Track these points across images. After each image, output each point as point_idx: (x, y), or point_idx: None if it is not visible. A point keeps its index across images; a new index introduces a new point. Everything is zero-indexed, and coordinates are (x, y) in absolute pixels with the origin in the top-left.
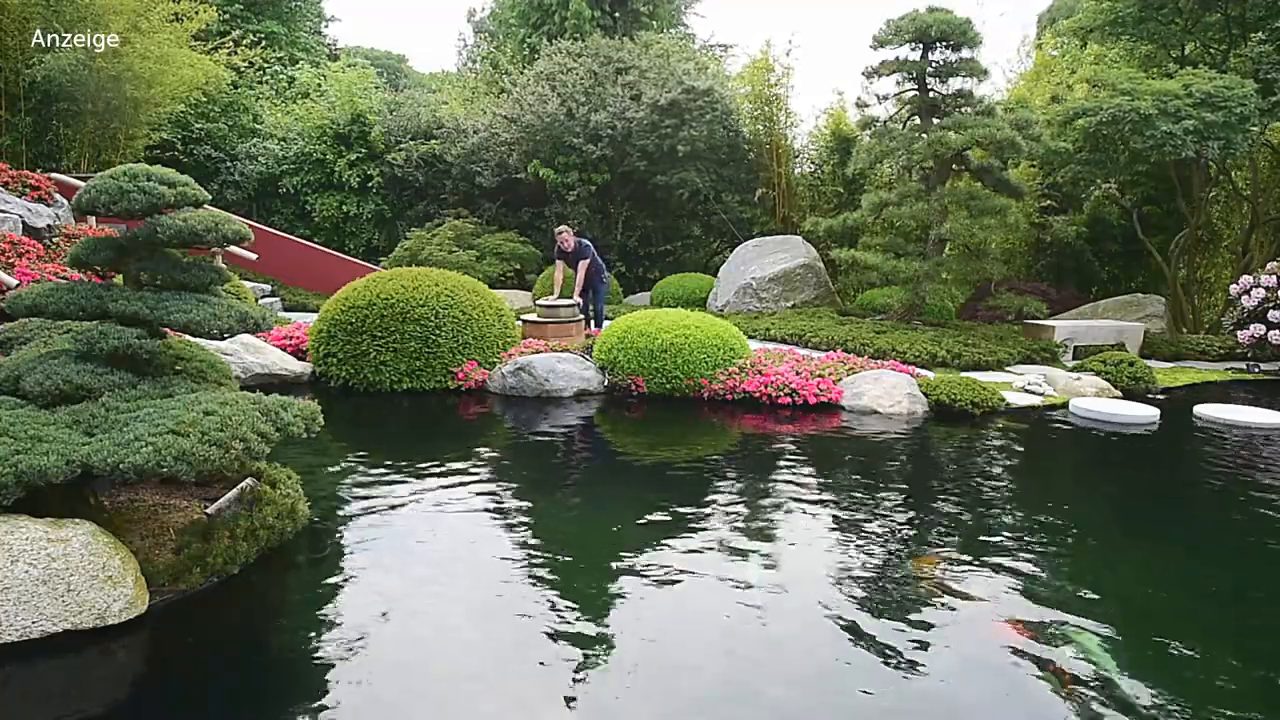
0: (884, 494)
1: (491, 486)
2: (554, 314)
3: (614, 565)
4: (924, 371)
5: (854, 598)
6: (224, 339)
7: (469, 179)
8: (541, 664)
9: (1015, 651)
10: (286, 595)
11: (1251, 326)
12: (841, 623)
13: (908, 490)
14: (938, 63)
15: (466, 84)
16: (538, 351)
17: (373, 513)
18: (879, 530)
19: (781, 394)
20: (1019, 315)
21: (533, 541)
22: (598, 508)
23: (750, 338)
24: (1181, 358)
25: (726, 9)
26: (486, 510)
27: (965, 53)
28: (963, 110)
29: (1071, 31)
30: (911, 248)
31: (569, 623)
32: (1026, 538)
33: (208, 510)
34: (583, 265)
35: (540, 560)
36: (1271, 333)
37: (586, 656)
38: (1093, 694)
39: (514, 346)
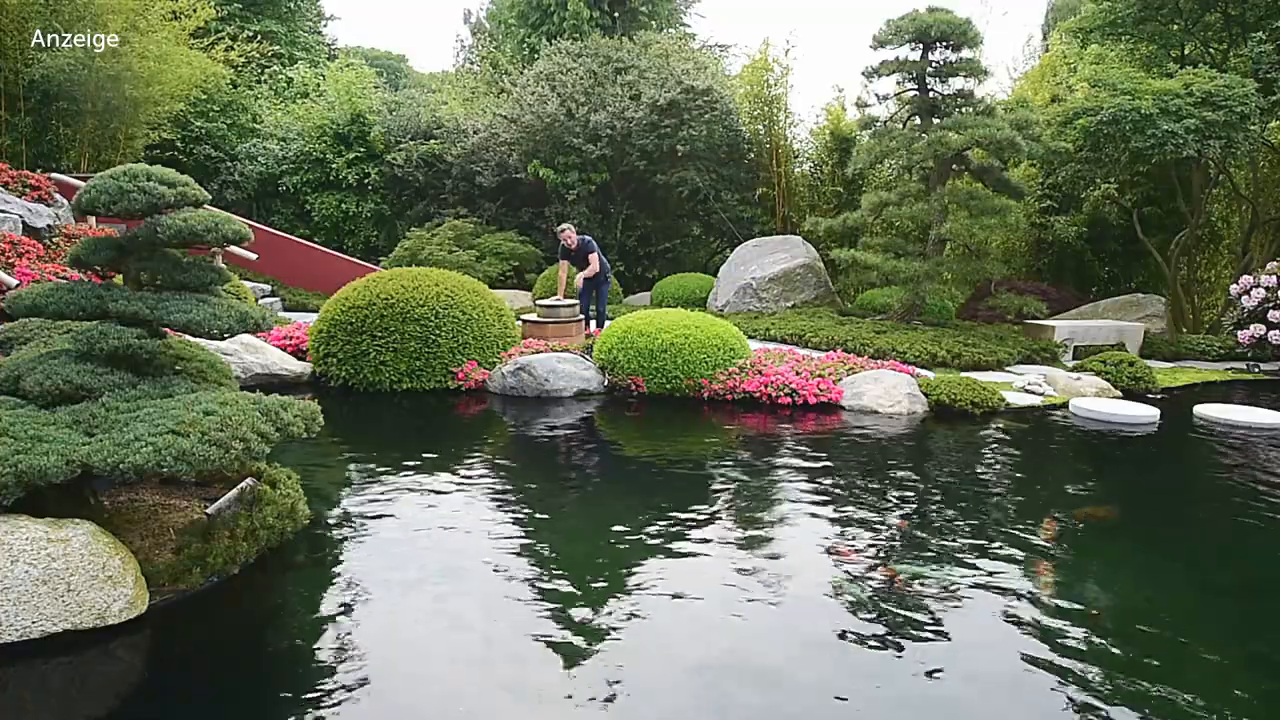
0: (884, 494)
1: (491, 486)
2: (554, 314)
3: (614, 566)
4: (924, 371)
5: (853, 597)
6: (224, 339)
7: (469, 179)
8: (541, 665)
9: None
10: (286, 595)
11: (1251, 326)
12: (838, 623)
13: (908, 490)
14: (938, 63)
15: (466, 84)
16: (538, 351)
17: (372, 512)
18: (879, 530)
19: (781, 394)
20: (1019, 315)
21: (532, 541)
22: (597, 508)
23: (750, 338)
24: (1181, 358)
25: (726, 8)
26: (486, 510)
27: (966, 53)
28: (963, 110)
29: (1071, 33)
30: (911, 248)
31: (569, 623)
32: (1024, 537)
33: (208, 510)
34: (594, 257)
35: (540, 560)
36: (1271, 333)
37: (585, 657)
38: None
39: (514, 346)
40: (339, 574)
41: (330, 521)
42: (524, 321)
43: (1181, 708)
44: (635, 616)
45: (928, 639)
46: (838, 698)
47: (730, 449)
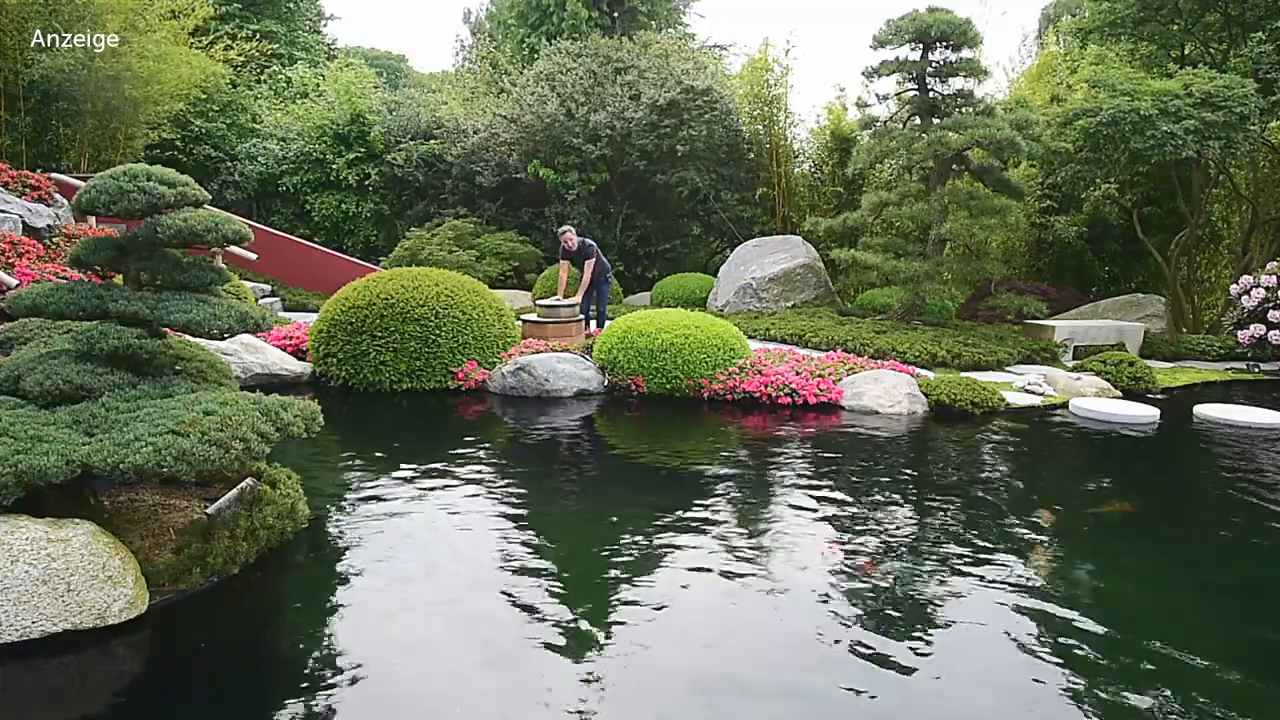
0: (884, 494)
1: (491, 486)
2: (554, 314)
3: (613, 566)
4: (924, 371)
5: (852, 598)
6: (224, 339)
7: (469, 179)
8: (540, 666)
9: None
10: (286, 595)
11: (1251, 326)
12: (838, 622)
13: (908, 490)
14: (938, 63)
15: (466, 84)
16: (538, 351)
17: (372, 513)
18: (878, 530)
19: (781, 394)
20: (1019, 315)
21: (532, 542)
22: (597, 508)
23: (750, 338)
24: (1181, 358)
25: (726, 8)
26: (486, 510)
27: (965, 53)
28: (963, 110)
29: (1071, 33)
30: (911, 248)
31: (569, 624)
32: (1023, 537)
33: (208, 510)
34: (589, 264)
35: (540, 560)
36: (1271, 333)
37: (583, 658)
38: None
39: (514, 346)
40: (339, 574)
41: (330, 521)
42: (524, 321)
43: (1181, 708)
44: (635, 617)
45: (927, 639)
46: (837, 700)
47: (730, 449)
